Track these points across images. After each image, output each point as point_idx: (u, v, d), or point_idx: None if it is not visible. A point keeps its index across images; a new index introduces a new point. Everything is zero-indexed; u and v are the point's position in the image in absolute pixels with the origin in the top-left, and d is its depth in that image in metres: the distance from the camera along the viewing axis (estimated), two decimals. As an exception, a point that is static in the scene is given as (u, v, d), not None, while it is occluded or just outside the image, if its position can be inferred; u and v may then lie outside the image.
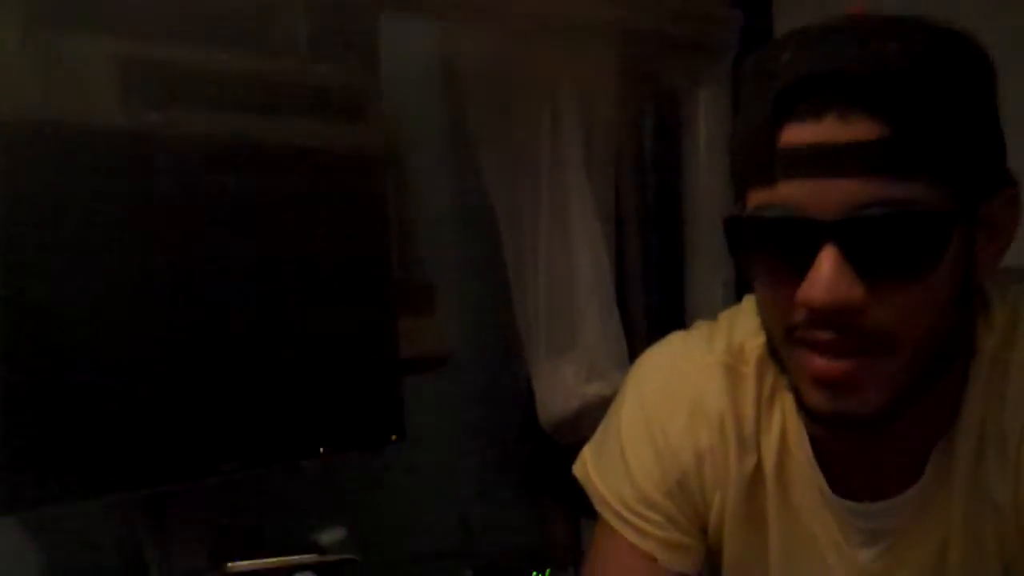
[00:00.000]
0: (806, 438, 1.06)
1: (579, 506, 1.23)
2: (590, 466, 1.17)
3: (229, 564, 1.61)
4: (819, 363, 0.91)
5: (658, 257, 2.48)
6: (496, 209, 2.20)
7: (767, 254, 0.93)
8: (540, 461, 2.25)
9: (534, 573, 1.89)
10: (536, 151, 2.16)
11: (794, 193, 0.88)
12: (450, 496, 2.22)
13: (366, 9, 1.96)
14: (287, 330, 1.73)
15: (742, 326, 1.10)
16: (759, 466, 1.08)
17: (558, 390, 2.13)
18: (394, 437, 1.83)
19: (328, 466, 1.82)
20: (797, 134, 0.88)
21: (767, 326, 0.98)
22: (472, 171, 2.22)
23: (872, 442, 1.01)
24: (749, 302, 1.08)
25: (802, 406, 0.96)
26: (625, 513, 1.12)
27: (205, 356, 1.64)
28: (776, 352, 0.98)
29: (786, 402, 1.06)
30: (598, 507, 1.15)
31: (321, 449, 1.75)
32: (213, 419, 1.64)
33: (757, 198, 0.92)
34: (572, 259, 2.15)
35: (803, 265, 0.88)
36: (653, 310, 2.40)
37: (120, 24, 1.61)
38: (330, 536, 1.78)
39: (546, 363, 2.15)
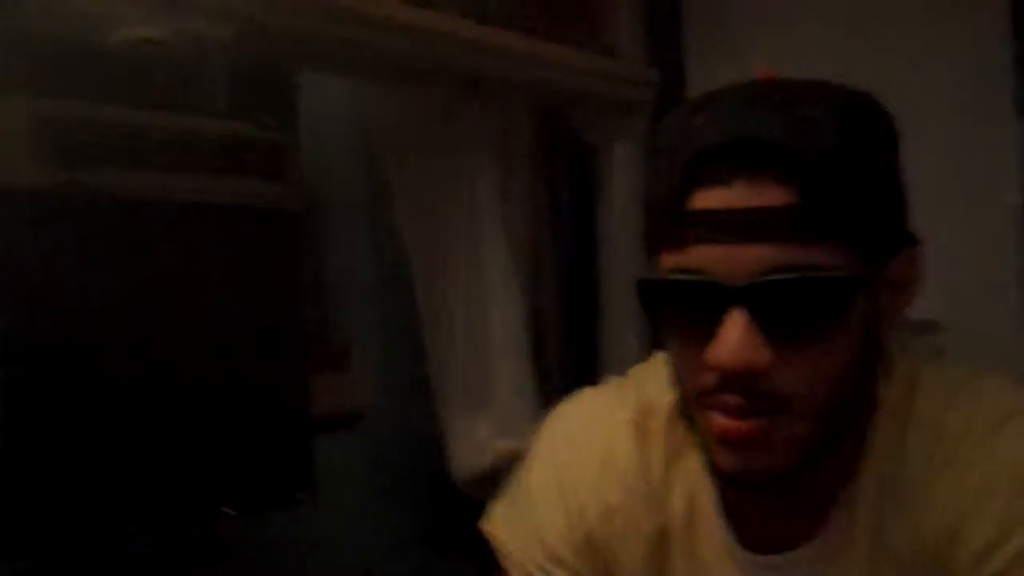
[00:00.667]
0: (714, 493, 1.06)
1: (492, 563, 1.24)
2: (499, 522, 1.16)
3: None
4: (726, 424, 0.92)
5: (573, 312, 2.50)
6: (412, 265, 2.21)
7: (678, 316, 0.94)
8: (453, 517, 2.25)
9: (445, 630, 1.88)
10: (452, 208, 2.17)
11: (704, 257, 0.89)
12: (362, 553, 2.21)
13: (285, 67, 1.97)
14: (198, 388, 1.73)
15: (651, 383, 1.10)
16: (667, 522, 1.08)
17: (471, 446, 2.13)
18: (301, 495, 1.82)
19: (239, 524, 1.81)
20: (707, 199, 0.89)
21: (679, 387, 0.99)
22: (389, 228, 2.23)
23: (777, 499, 1.02)
24: (659, 358, 1.09)
25: (711, 465, 0.97)
26: (532, 569, 1.12)
27: (112, 415, 1.63)
28: (686, 411, 0.99)
29: (694, 458, 1.06)
30: (505, 563, 1.15)
31: (229, 510, 1.74)
32: (119, 480, 1.62)
33: (668, 261, 0.93)
34: (486, 315, 2.16)
35: (712, 328, 0.89)
36: (568, 365, 2.42)
37: (37, 83, 1.61)
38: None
39: (460, 419, 2.16)
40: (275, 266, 1.87)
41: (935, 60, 2.25)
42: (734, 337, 0.88)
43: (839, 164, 0.87)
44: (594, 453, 1.11)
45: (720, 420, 0.92)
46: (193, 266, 1.75)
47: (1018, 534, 0.92)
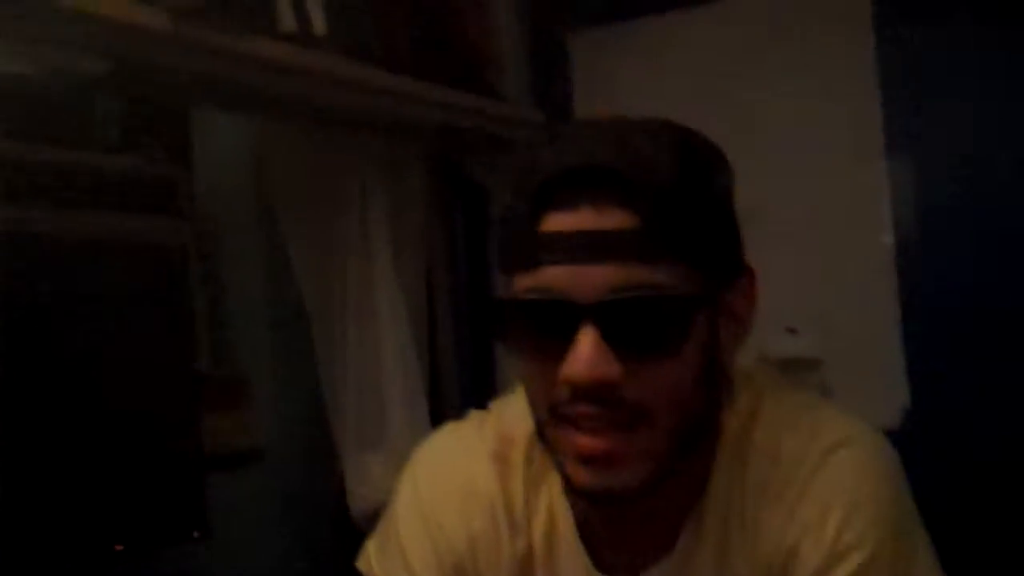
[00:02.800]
0: (571, 517, 1.10)
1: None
2: (373, 559, 1.19)
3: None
4: (582, 440, 0.96)
5: (469, 348, 2.52)
6: (307, 302, 2.21)
7: (531, 335, 0.98)
8: (350, 553, 2.24)
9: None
10: (344, 244, 2.19)
11: (555, 277, 0.94)
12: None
13: (177, 102, 1.96)
14: (86, 424, 1.70)
15: (511, 413, 1.14)
16: (530, 547, 1.12)
17: (367, 483, 2.13)
18: (196, 534, 1.80)
19: (131, 563, 1.78)
20: (556, 222, 0.95)
21: (533, 406, 1.03)
22: (286, 263, 2.24)
23: (630, 517, 1.06)
24: (520, 391, 1.13)
25: (568, 483, 1.01)
26: None
27: (-1, 453, 1.60)
28: (542, 432, 1.03)
29: (553, 484, 1.10)
30: None
31: (118, 547, 1.71)
32: (6, 517, 1.59)
33: (521, 282, 0.97)
34: (380, 353, 2.18)
35: (564, 344, 0.94)
36: (466, 400, 2.43)
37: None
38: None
39: (356, 456, 2.16)
40: (165, 301, 1.86)
41: (809, 99, 2.33)
42: (585, 352, 0.93)
43: (676, 190, 0.94)
44: (456, 485, 1.14)
45: (577, 438, 0.97)
46: (80, 303, 1.73)
47: (851, 557, 0.98)
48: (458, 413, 2.41)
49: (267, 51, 1.76)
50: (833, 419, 1.06)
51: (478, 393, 2.47)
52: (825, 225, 2.31)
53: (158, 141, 1.92)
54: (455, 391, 2.49)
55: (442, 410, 2.37)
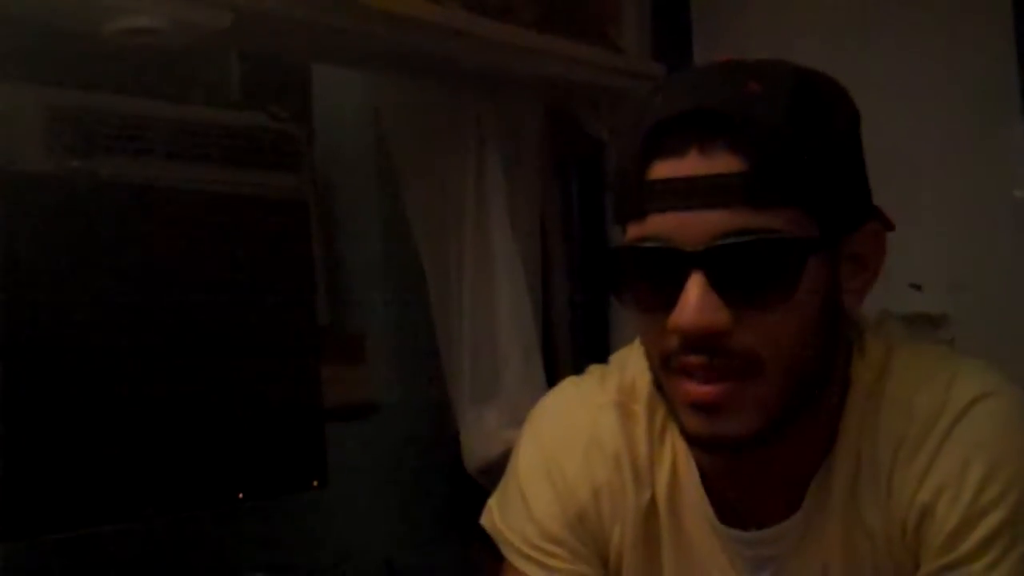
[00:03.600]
0: (695, 470, 1.10)
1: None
2: (495, 514, 1.19)
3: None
4: (693, 388, 0.96)
5: (583, 301, 2.51)
6: (423, 258, 2.22)
7: (641, 285, 0.98)
8: (466, 506, 2.27)
9: (459, 618, 1.90)
10: (461, 200, 2.19)
11: (662, 225, 0.94)
12: (377, 541, 2.22)
13: (298, 59, 1.98)
14: (210, 375, 1.74)
15: (632, 365, 1.13)
16: (653, 498, 1.12)
17: (482, 436, 2.14)
18: (316, 483, 1.83)
19: (253, 511, 1.82)
20: (664, 169, 0.93)
21: (648, 357, 1.02)
22: (402, 220, 2.25)
23: (754, 470, 1.05)
24: (638, 343, 1.12)
25: (682, 431, 1.01)
26: (528, 550, 1.14)
27: (127, 401, 1.64)
28: (657, 382, 1.03)
29: (677, 436, 1.09)
30: (504, 551, 1.17)
31: (240, 495, 1.75)
32: (134, 464, 1.64)
33: (632, 232, 0.97)
34: (495, 306, 2.18)
35: (673, 293, 0.93)
36: (579, 356, 2.43)
37: (48, 73, 1.62)
38: (255, 581, 1.78)
39: (471, 409, 2.17)
40: (286, 257, 1.88)
41: (941, 58, 2.26)
42: (693, 300, 0.92)
43: (787, 131, 0.91)
44: (579, 435, 1.14)
45: (688, 385, 0.96)
46: (204, 256, 1.77)
47: (990, 516, 0.95)
48: (572, 367, 2.44)
49: (389, 5, 1.76)
50: (970, 371, 1.03)
51: (592, 348, 2.47)
52: (954, 182, 2.24)
53: (279, 97, 1.94)
54: (569, 345, 2.49)
55: (556, 364, 2.37)
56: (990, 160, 2.24)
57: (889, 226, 1.02)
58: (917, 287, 2.24)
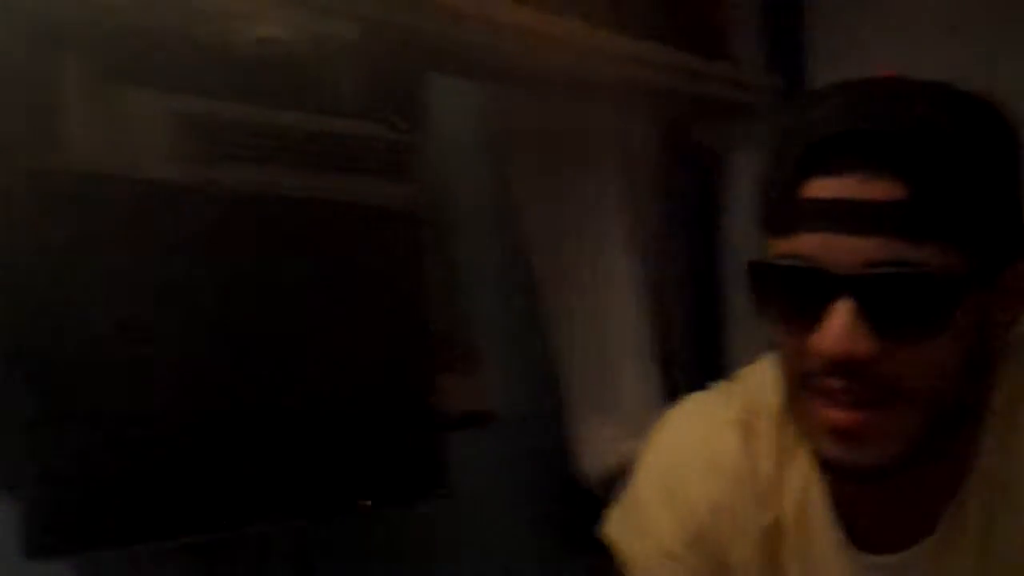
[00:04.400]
0: (825, 491, 1.08)
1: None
2: (613, 526, 1.20)
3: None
4: (833, 413, 0.94)
5: (699, 315, 2.50)
6: (538, 268, 2.23)
7: (785, 302, 0.96)
8: (584, 519, 2.26)
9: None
10: (575, 211, 2.19)
11: (814, 245, 0.91)
12: (496, 552, 2.22)
13: (414, 68, 2.00)
14: (327, 383, 1.75)
15: (759, 383, 1.12)
16: (778, 519, 1.10)
17: (598, 448, 2.15)
18: (438, 492, 1.84)
19: (374, 520, 1.83)
20: (820, 188, 0.91)
21: (785, 372, 1.00)
22: (516, 230, 2.26)
23: (887, 495, 1.03)
24: (766, 361, 1.11)
25: (817, 456, 0.99)
26: (649, 568, 1.14)
27: (247, 410, 1.66)
28: (792, 401, 1.01)
29: (805, 457, 1.08)
30: (623, 567, 1.17)
31: (368, 502, 1.76)
32: (253, 472, 1.65)
33: (779, 247, 0.95)
34: (610, 318, 2.18)
35: (818, 315, 0.91)
36: (694, 367, 2.42)
37: (175, 81, 1.66)
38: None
39: (587, 420, 2.17)
40: (402, 266, 1.89)
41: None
42: (838, 325, 0.90)
43: (953, 164, 0.88)
44: (700, 453, 1.13)
45: (828, 410, 0.94)
46: (324, 264, 1.78)
47: None
48: (688, 381, 2.42)
49: (512, 17, 1.77)
50: None
51: (706, 364, 2.45)
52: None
53: (396, 107, 1.96)
54: (683, 361, 2.47)
55: (672, 379, 2.36)
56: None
57: None
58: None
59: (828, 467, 0.99)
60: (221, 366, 1.65)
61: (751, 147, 2.42)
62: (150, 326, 1.58)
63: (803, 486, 1.09)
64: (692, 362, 2.46)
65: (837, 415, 0.93)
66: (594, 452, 2.15)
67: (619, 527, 1.19)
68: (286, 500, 1.69)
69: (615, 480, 2.10)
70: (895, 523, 1.04)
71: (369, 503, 1.75)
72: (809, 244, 0.92)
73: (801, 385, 0.97)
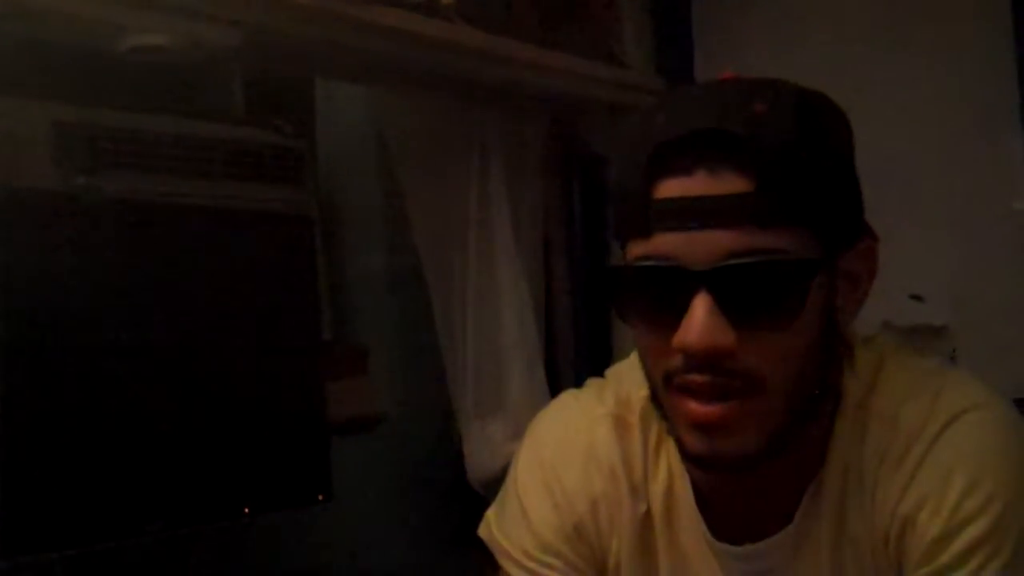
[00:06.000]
0: (689, 484, 1.10)
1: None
2: (493, 525, 1.20)
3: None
4: (695, 407, 0.96)
5: (585, 315, 2.52)
6: (425, 270, 2.23)
7: (645, 303, 0.98)
8: (469, 519, 2.27)
9: (462, 632, 1.90)
10: (464, 213, 2.20)
11: (668, 244, 0.94)
12: (381, 554, 2.23)
13: (303, 75, 2.00)
14: (214, 391, 1.74)
15: (629, 379, 1.14)
16: (649, 512, 1.12)
17: (486, 448, 2.15)
18: (321, 497, 1.84)
19: (257, 526, 1.82)
20: (670, 188, 0.94)
21: (648, 373, 1.02)
22: (404, 234, 2.26)
23: (749, 486, 1.05)
24: (636, 356, 1.13)
25: (682, 450, 1.01)
26: (526, 562, 1.14)
27: (131, 417, 1.65)
28: (657, 399, 1.03)
29: (672, 450, 1.10)
30: (501, 561, 1.17)
31: (246, 509, 1.75)
32: (139, 480, 1.64)
33: (635, 250, 0.97)
34: (498, 319, 2.19)
35: (678, 312, 0.94)
36: (581, 369, 2.44)
37: (54, 89, 1.63)
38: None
39: (474, 422, 2.18)
40: (290, 271, 1.89)
41: (941, 70, 2.27)
42: (699, 319, 0.92)
43: (793, 152, 0.92)
44: (578, 448, 1.14)
45: (690, 404, 0.96)
46: (210, 270, 1.77)
47: (970, 527, 0.96)
48: (574, 381, 2.44)
49: (395, 20, 1.77)
50: (957, 384, 1.03)
51: (594, 362, 2.48)
52: (954, 194, 2.25)
53: (283, 112, 1.95)
54: (571, 359, 2.50)
55: (558, 378, 2.38)
56: (990, 171, 2.24)
57: (875, 237, 1.03)
58: (918, 298, 2.24)
59: (692, 459, 1.01)
60: (103, 376, 1.63)
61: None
62: (24, 333, 1.55)
63: (669, 479, 1.11)
64: (579, 363, 2.48)
65: (700, 409, 0.96)
66: (482, 454, 2.16)
67: (497, 524, 1.19)
68: (169, 509, 1.67)
69: (502, 481, 2.13)
70: (756, 513, 1.07)
71: (252, 510, 1.74)
72: (664, 244, 0.94)
73: (665, 383, 0.99)
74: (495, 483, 2.16)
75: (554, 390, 2.25)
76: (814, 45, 2.38)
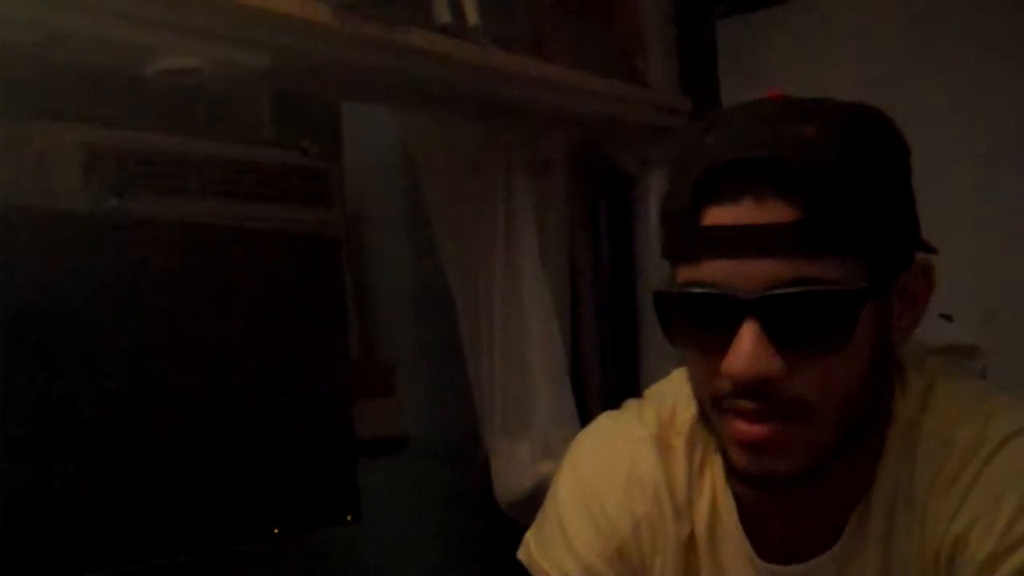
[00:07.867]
0: (734, 505, 1.10)
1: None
2: (532, 547, 1.19)
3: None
4: (743, 427, 0.96)
5: (613, 337, 2.52)
6: (453, 291, 2.24)
7: (693, 328, 0.98)
8: (498, 540, 2.26)
9: (491, 654, 1.89)
10: (491, 234, 2.20)
11: (717, 271, 0.94)
12: (408, 575, 2.22)
13: (328, 96, 2.01)
14: (244, 411, 1.75)
15: (670, 400, 1.14)
16: (692, 533, 1.12)
17: (513, 469, 2.15)
18: (349, 517, 1.84)
19: (287, 546, 1.83)
20: (718, 215, 0.94)
21: (696, 394, 1.03)
22: (431, 253, 2.26)
23: (795, 505, 1.05)
24: (677, 376, 1.13)
25: (730, 468, 1.02)
26: None
27: (161, 438, 1.65)
28: (706, 418, 1.03)
29: (716, 471, 1.10)
30: None
31: (276, 530, 1.76)
32: (168, 501, 1.65)
33: (684, 274, 0.97)
34: (526, 339, 2.19)
35: (726, 339, 0.94)
36: (608, 387, 2.44)
37: (85, 112, 1.65)
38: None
39: (502, 442, 2.17)
40: (319, 291, 1.90)
41: (969, 87, 2.25)
42: (746, 348, 0.93)
43: (842, 179, 0.91)
44: (619, 469, 1.15)
45: (739, 425, 0.97)
46: (239, 291, 1.78)
47: (1022, 548, 0.95)
48: (601, 400, 2.44)
49: (421, 42, 1.78)
50: (1009, 407, 1.03)
51: (621, 381, 2.47)
52: (983, 212, 2.23)
53: (310, 134, 1.97)
54: (597, 381, 2.49)
55: (586, 398, 2.38)
56: (1021, 190, 2.23)
57: (933, 251, 1.02)
58: (948, 317, 2.22)
59: (739, 477, 1.01)
60: (137, 396, 1.64)
61: (663, 167, 2.45)
62: (66, 356, 1.57)
63: (714, 499, 1.11)
64: (607, 384, 2.48)
65: (749, 428, 0.96)
66: (509, 474, 2.16)
67: (538, 547, 1.18)
68: (198, 531, 1.68)
69: (529, 501, 2.13)
70: (801, 534, 1.07)
71: (282, 531, 1.75)
72: (711, 271, 0.94)
73: (713, 406, 0.99)
74: (522, 503, 2.17)
75: (581, 410, 2.25)
76: (841, 63, 2.37)
